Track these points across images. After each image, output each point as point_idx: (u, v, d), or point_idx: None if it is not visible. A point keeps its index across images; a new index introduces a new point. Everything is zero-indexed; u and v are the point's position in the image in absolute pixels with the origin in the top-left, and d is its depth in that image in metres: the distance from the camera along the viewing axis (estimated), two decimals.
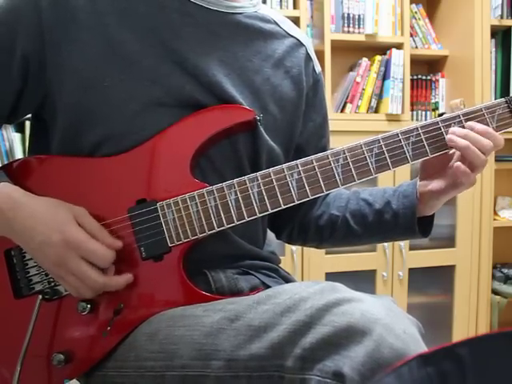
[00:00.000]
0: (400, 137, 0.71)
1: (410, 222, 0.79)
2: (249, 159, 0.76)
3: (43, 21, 0.68)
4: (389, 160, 0.71)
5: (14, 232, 0.66)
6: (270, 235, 0.91)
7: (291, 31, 0.85)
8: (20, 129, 1.74)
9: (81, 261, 0.64)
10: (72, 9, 0.69)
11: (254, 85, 0.77)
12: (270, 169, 0.70)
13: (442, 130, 0.72)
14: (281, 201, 0.69)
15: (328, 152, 0.71)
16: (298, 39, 0.85)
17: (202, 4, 0.75)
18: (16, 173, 0.72)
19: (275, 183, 0.69)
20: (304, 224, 0.89)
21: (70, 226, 0.65)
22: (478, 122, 0.72)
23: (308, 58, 0.86)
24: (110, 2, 0.71)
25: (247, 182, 0.69)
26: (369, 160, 0.70)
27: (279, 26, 0.83)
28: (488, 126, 0.72)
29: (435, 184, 0.76)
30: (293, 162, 0.70)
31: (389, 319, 0.51)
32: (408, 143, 0.71)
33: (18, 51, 0.69)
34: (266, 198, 0.69)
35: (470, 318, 2.12)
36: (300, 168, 0.70)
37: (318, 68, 0.88)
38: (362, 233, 0.84)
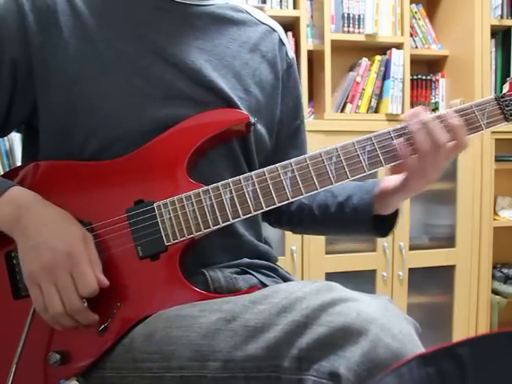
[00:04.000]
0: (391, 134, 0.72)
1: (368, 218, 0.80)
2: (238, 142, 0.78)
3: (27, 25, 0.71)
4: (381, 157, 0.72)
5: (18, 225, 0.66)
6: (269, 234, 0.91)
7: (263, 19, 0.88)
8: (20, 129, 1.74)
9: (69, 276, 0.63)
10: (53, 13, 0.72)
11: (235, 68, 0.79)
12: (265, 168, 0.70)
13: None
14: (275, 199, 0.70)
15: (321, 150, 0.71)
16: (270, 26, 0.88)
17: None
18: (16, 179, 0.73)
19: (269, 182, 0.70)
20: (278, 210, 0.90)
21: (78, 242, 0.65)
22: (468, 119, 0.73)
23: (281, 43, 0.89)
24: (86, 4, 0.74)
25: (242, 181, 0.70)
26: (361, 157, 0.71)
27: (251, 14, 0.87)
28: (479, 122, 0.73)
29: (389, 180, 0.78)
30: (286, 161, 0.71)
31: (385, 319, 0.51)
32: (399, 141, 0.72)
33: (6, 57, 0.71)
34: (260, 196, 0.69)
35: (470, 318, 2.12)
36: (294, 166, 0.70)
37: (290, 53, 0.91)
38: (325, 223, 0.87)
